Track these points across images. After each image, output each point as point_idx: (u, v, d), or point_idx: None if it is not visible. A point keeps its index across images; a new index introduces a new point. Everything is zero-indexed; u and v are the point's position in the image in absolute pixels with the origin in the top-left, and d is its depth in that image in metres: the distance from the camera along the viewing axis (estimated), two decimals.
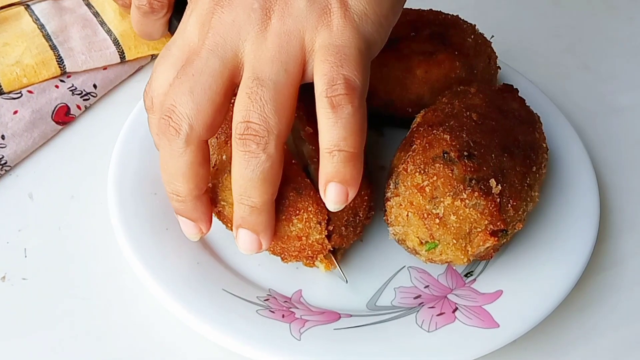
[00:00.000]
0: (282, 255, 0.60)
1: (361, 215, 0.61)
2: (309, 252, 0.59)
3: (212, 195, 0.60)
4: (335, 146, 0.51)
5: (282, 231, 0.58)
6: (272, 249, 0.60)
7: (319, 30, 0.52)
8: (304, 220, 0.57)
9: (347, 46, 0.52)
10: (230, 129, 0.57)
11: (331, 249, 0.59)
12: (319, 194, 0.56)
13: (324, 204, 0.56)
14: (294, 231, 0.57)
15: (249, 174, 0.52)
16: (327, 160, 0.52)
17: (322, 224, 0.58)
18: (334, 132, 0.51)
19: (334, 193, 0.53)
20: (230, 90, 0.53)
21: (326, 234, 0.58)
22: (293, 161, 0.59)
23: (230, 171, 0.56)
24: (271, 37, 0.52)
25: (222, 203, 0.59)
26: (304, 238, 0.58)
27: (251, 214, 0.54)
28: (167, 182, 0.56)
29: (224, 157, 0.59)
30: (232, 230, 0.59)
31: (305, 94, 0.58)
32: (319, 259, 0.60)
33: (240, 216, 0.55)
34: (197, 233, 0.59)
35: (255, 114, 0.51)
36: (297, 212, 0.57)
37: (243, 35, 0.52)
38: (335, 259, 0.61)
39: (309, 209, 0.57)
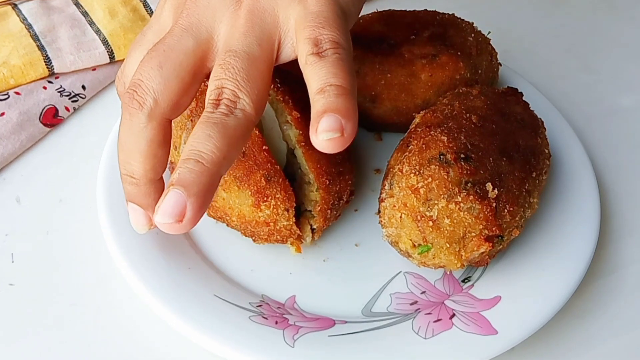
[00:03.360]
0: (253, 238, 0.61)
1: (344, 199, 0.63)
2: (278, 237, 0.60)
3: None
4: (326, 83, 0.48)
5: (251, 216, 0.59)
6: (243, 231, 0.61)
7: (294, 7, 0.52)
8: (272, 207, 0.58)
9: (325, 11, 0.52)
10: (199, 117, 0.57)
11: (312, 228, 0.62)
12: (287, 182, 0.58)
13: (292, 190, 0.59)
14: (262, 217, 0.59)
15: (206, 128, 0.48)
16: (319, 98, 0.48)
17: (290, 211, 0.59)
18: (322, 72, 0.49)
19: (327, 121, 0.47)
20: (200, 71, 0.53)
21: (293, 221, 0.59)
22: (265, 147, 0.59)
23: None
24: (244, 14, 0.52)
25: None
26: (272, 224, 0.59)
27: (193, 169, 0.47)
28: (122, 161, 0.53)
29: None
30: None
31: (291, 80, 0.62)
32: (288, 242, 0.61)
33: (181, 172, 0.48)
34: (146, 223, 0.55)
35: (228, 82, 0.49)
36: (265, 198, 0.58)
37: (218, 17, 0.53)
38: (313, 237, 0.62)
39: (277, 196, 0.58)
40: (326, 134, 0.47)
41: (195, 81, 0.52)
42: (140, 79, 0.51)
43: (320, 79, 0.49)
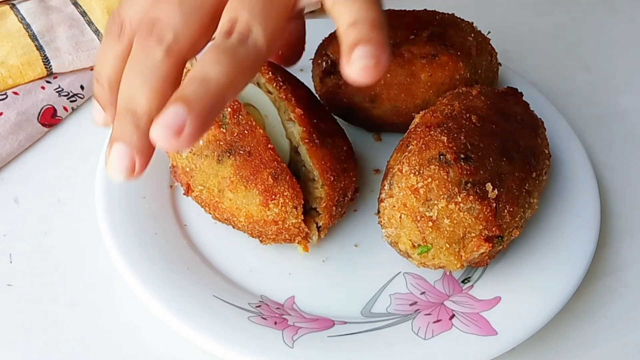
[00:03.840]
0: (260, 238, 0.61)
1: (349, 196, 0.63)
2: (286, 235, 0.60)
3: (189, 181, 0.60)
4: (359, 16, 0.47)
5: (259, 216, 0.59)
6: (250, 232, 0.61)
7: None
8: (280, 205, 0.58)
9: None
10: None
11: (317, 226, 0.62)
12: (295, 179, 0.58)
13: (299, 188, 0.59)
14: (271, 216, 0.59)
15: (215, 54, 0.46)
16: (351, 30, 0.46)
17: (299, 208, 0.59)
18: (355, 7, 0.47)
19: (363, 49, 0.45)
20: (219, 13, 0.50)
21: (302, 218, 0.59)
22: (270, 145, 0.59)
23: (206, 156, 0.58)
24: None
25: (200, 187, 0.60)
26: (280, 222, 0.59)
27: (197, 89, 0.45)
28: (125, 96, 0.48)
29: (200, 142, 0.59)
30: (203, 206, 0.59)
31: (293, 78, 0.63)
32: (296, 241, 0.61)
33: (185, 90, 0.45)
34: (129, 168, 0.47)
35: (244, 12, 0.47)
36: (273, 197, 0.58)
37: None
38: (319, 235, 0.62)
39: (285, 193, 0.58)
40: (362, 60, 0.45)
41: (213, 22, 0.50)
42: (157, 16, 0.49)
43: (353, 13, 0.47)
